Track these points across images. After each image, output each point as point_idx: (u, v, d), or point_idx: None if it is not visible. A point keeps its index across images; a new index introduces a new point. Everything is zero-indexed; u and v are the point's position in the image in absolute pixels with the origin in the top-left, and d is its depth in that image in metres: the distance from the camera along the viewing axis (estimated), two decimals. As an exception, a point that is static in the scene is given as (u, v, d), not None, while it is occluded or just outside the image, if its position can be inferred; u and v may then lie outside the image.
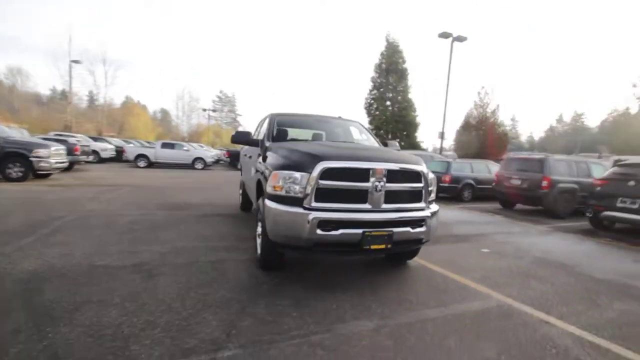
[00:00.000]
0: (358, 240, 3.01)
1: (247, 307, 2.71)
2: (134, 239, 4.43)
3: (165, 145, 19.37)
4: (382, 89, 21.23)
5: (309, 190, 2.96)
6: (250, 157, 5.06)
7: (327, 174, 2.97)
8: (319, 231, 2.92)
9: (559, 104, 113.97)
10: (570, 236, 6.47)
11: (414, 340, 2.36)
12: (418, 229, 3.28)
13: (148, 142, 28.22)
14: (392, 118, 20.22)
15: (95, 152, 17.27)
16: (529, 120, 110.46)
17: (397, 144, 5.17)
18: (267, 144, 4.12)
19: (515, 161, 9.71)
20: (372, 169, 3.06)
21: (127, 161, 18.67)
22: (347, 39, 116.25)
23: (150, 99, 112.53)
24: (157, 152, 18.64)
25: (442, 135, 17.51)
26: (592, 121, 65.89)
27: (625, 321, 2.88)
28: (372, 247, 3.06)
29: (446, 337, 2.43)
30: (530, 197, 8.81)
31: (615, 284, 3.81)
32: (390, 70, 20.99)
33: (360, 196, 3.08)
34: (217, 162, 23.36)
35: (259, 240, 3.72)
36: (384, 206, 3.13)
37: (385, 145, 4.97)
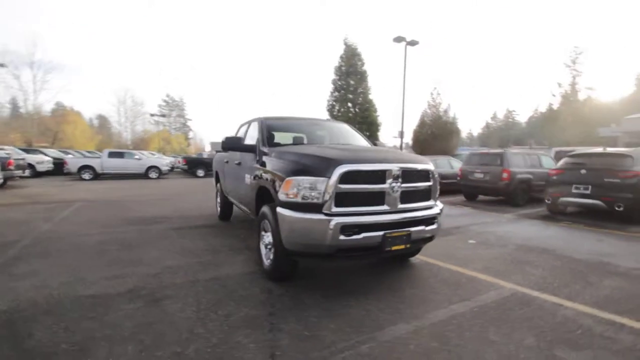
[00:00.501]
0: (379, 243, 2.97)
1: (277, 323, 2.53)
2: (113, 262, 3.95)
3: (113, 155, 17.76)
4: (343, 91, 21.54)
5: (327, 196, 2.85)
6: (239, 163, 4.79)
7: (345, 177, 2.89)
8: (341, 237, 2.82)
9: (494, 102, 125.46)
10: (536, 222, 7.06)
11: (457, 338, 2.36)
12: (431, 227, 3.34)
13: (89, 152, 25.77)
14: (355, 119, 20.55)
15: (30, 166, 15.27)
16: (467, 117, 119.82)
17: (385, 144, 5.24)
18: (265, 149, 3.93)
19: (477, 156, 10.40)
20: (388, 170, 3.04)
21: (68, 174, 16.82)
22: (305, 43, 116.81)
23: (84, 105, 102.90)
24: (104, 163, 17.02)
25: (401, 135, 18.24)
26: (522, 117, 73.26)
27: (620, 296, 3.17)
28: (393, 248, 3.04)
29: (484, 330, 2.48)
30: (492, 189, 9.50)
31: (594, 263, 4.20)
32: (351, 73, 21.35)
33: (378, 198, 3.04)
34: (171, 170, 21.98)
35: (264, 251, 3.52)
36: (400, 206, 3.13)
37: (375, 145, 5.01)
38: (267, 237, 3.43)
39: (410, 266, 4.01)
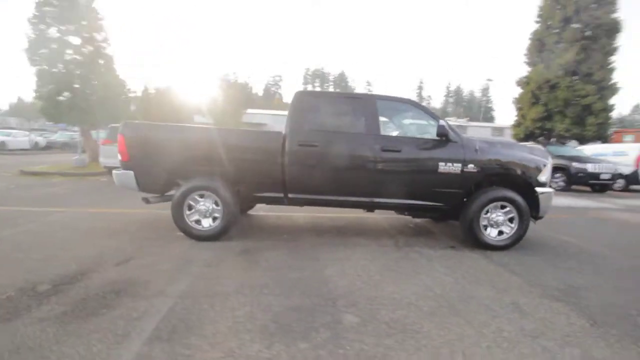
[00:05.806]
0: None
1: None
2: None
3: None
4: (46, 25, 11.65)
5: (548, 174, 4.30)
6: (396, 150, 4.15)
7: None
8: None
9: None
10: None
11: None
12: None
13: None
14: (75, 73, 11.71)
15: None
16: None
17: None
18: (463, 137, 4.18)
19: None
20: None
21: None
22: None
23: None
24: None
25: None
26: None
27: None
28: None
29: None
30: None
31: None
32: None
33: None
34: None
35: (490, 230, 4.15)
36: None
37: None
38: (504, 215, 4.09)
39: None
